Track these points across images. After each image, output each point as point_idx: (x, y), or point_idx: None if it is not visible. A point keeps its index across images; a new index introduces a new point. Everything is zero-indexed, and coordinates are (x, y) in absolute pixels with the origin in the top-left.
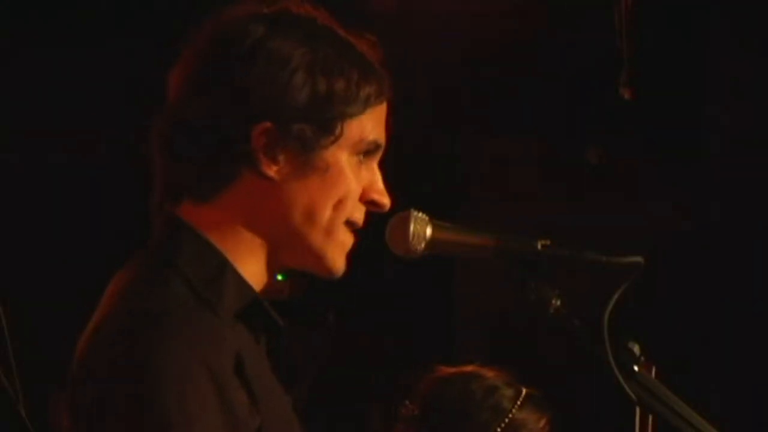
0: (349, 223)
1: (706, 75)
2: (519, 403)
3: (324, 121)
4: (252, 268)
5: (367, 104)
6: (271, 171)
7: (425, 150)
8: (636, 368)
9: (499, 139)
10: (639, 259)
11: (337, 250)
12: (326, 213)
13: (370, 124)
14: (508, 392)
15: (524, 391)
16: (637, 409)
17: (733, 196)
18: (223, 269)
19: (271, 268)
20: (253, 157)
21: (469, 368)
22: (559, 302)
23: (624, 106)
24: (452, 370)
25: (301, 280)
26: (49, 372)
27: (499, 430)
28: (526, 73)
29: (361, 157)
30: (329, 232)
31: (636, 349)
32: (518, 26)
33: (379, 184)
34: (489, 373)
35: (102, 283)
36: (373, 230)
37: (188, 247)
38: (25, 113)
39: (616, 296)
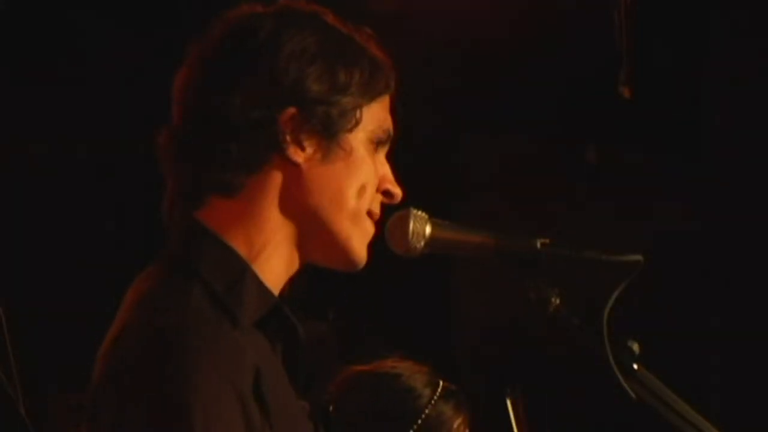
0: (370, 214)
1: (705, 74)
2: (433, 402)
3: (345, 106)
4: (274, 267)
5: (379, 93)
6: (299, 156)
7: (425, 149)
8: (636, 367)
9: (499, 139)
10: (638, 257)
11: (362, 239)
12: (352, 198)
13: (382, 113)
14: (424, 391)
15: (440, 388)
16: (509, 404)
17: (733, 196)
18: (244, 275)
19: (293, 264)
20: (280, 143)
21: (383, 366)
22: (558, 301)
23: (623, 105)
24: (364, 368)
25: (301, 277)
26: (49, 372)
27: (412, 430)
28: (526, 73)
29: (376, 145)
30: (356, 218)
31: (635, 347)
32: (518, 26)
33: (390, 174)
34: (405, 371)
35: (102, 284)
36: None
37: (209, 254)
38: (24, 113)
39: (615, 295)
